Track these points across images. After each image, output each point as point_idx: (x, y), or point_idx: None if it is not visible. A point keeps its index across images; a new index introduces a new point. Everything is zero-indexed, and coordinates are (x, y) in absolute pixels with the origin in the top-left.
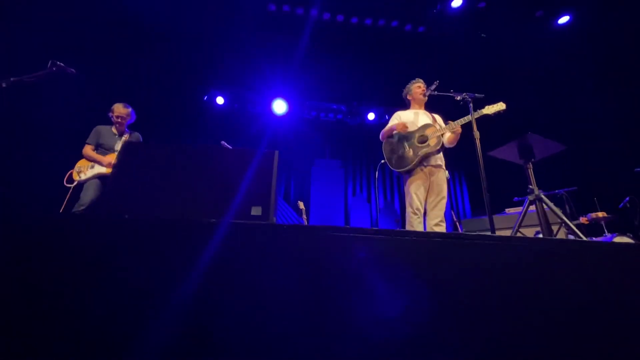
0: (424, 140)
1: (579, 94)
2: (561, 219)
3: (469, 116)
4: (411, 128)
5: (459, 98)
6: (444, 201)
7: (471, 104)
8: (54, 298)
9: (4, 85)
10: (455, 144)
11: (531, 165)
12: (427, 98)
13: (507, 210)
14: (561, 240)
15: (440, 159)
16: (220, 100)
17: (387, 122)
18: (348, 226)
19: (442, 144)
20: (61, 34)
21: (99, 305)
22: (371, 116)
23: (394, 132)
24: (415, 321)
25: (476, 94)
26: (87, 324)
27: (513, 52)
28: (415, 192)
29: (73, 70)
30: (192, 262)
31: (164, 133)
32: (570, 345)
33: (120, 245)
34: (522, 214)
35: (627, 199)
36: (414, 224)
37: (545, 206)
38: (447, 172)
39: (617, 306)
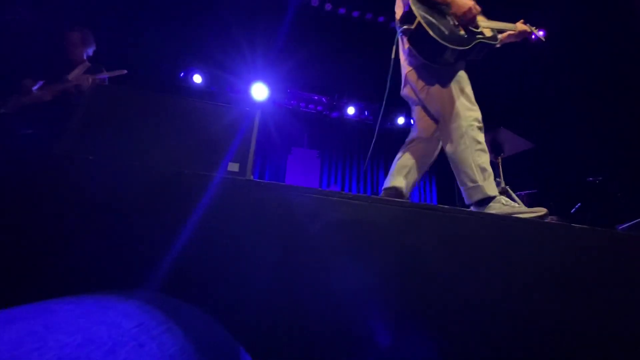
0: None
1: (550, 99)
2: None
3: None
4: None
5: None
6: None
7: None
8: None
9: None
10: None
11: (500, 160)
12: None
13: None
14: (530, 220)
15: None
16: (197, 78)
17: (366, 117)
18: (327, 190)
19: None
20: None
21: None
22: (351, 110)
23: None
24: (381, 286)
25: None
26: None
27: (494, 58)
28: None
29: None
30: (165, 213)
31: None
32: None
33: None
34: None
35: (579, 205)
36: None
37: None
38: None
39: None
